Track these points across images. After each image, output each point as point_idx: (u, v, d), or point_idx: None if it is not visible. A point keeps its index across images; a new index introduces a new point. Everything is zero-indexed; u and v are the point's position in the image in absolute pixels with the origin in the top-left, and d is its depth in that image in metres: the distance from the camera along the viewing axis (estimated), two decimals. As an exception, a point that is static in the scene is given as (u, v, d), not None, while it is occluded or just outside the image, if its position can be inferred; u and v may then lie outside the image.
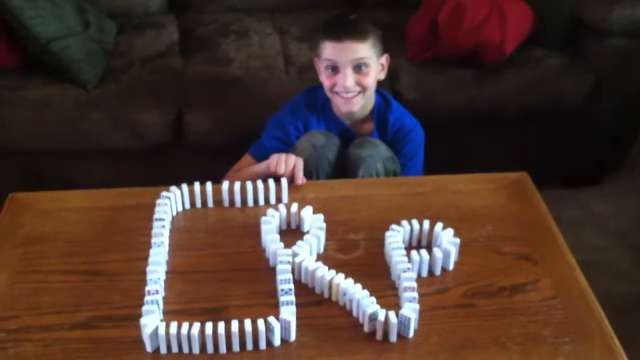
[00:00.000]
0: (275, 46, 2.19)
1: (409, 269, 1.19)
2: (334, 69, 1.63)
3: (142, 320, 1.08)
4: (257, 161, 1.65)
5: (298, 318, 1.11)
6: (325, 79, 1.66)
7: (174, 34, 2.24)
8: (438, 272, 1.24)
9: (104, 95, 1.97)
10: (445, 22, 2.03)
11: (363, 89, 1.64)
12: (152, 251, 1.23)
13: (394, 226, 1.28)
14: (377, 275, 1.23)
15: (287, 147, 1.65)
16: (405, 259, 1.21)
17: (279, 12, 2.38)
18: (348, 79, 1.61)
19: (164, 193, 1.36)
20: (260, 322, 1.09)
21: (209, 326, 1.08)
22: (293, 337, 1.11)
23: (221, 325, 1.08)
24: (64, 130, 1.95)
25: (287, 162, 1.48)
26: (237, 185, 1.39)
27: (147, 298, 1.13)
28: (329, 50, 1.61)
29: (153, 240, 1.25)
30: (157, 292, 1.14)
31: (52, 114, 1.94)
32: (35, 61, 1.99)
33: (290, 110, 1.76)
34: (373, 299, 1.14)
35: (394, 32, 2.07)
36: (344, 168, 1.64)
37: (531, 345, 1.11)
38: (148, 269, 1.19)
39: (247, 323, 1.08)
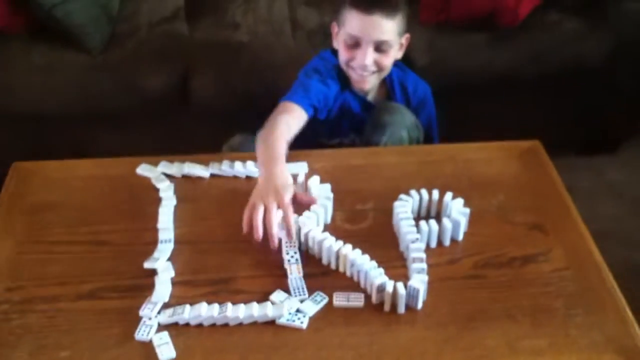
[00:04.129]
0: (283, 11, 2.14)
1: (417, 239, 1.17)
2: (356, 43, 1.55)
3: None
4: (305, 110, 1.50)
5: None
6: (343, 51, 1.58)
7: (180, -2, 2.20)
8: (447, 242, 1.22)
9: (110, 60, 1.95)
10: (459, -17, 1.98)
11: (380, 69, 1.58)
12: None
13: (402, 196, 1.26)
14: (385, 245, 1.21)
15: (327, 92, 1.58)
16: (414, 229, 1.19)
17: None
18: (367, 57, 1.53)
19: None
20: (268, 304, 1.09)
21: (215, 307, 1.08)
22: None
23: (230, 307, 1.08)
24: (71, 95, 1.94)
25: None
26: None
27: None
28: (355, 22, 1.52)
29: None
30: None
31: (59, 79, 1.93)
32: (41, 26, 1.96)
33: (336, 75, 1.64)
34: (381, 270, 1.12)
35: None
36: (366, 131, 1.60)
37: (542, 317, 1.09)
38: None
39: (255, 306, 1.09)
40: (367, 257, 1.14)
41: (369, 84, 1.61)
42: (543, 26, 2.04)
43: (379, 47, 1.54)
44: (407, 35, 1.62)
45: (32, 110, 1.97)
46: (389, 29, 1.53)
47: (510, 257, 1.20)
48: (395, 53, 1.60)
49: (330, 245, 1.16)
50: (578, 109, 2.19)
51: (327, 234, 1.19)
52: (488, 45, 2.01)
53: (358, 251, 1.15)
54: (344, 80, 1.65)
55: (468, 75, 2.03)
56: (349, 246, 1.16)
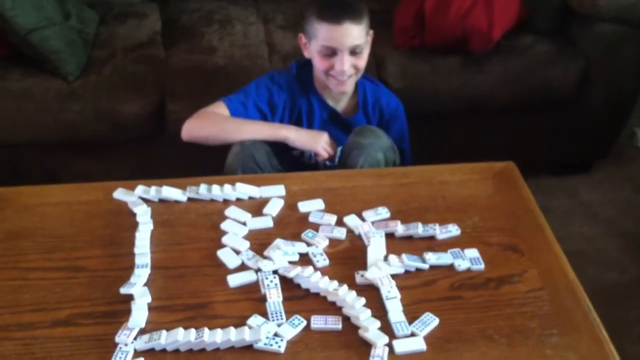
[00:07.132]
0: (259, 35, 2.16)
1: (394, 261, 1.18)
2: (332, 52, 1.60)
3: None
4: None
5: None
6: (319, 62, 1.63)
7: (157, 23, 2.21)
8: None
9: (85, 86, 1.93)
10: (432, 9, 2.01)
11: (357, 71, 1.65)
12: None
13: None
14: (360, 267, 1.21)
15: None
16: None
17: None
18: (345, 63, 1.60)
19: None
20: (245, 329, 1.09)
21: (192, 332, 1.08)
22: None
23: (207, 332, 1.08)
24: (46, 121, 1.92)
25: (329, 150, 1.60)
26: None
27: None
28: (326, 34, 1.58)
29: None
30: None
31: (33, 105, 1.91)
32: (17, 52, 1.95)
33: (285, 85, 1.71)
34: (362, 300, 1.13)
35: (380, 19, 2.04)
36: (342, 154, 1.63)
37: (518, 337, 1.10)
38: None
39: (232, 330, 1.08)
40: (345, 287, 1.15)
41: (349, 86, 1.68)
42: (515, 50, 2.07)
43: (354, 51, 1.61)
44: (371, 32, 1.67)
45: (7, 136, 1.94)
46: (359, 33, 1.59)
47: (485, 278, 1.21)
48: (367, 51, 1.66)
49: (309, 277, 1.17)
50: (551, 130, 2.21)
51: (299, 268, 1.19)
52: (462, 69, 2.03)
53: (335, 283, 1.16)
54: (307, 89, 1.71)
55: (442, 98, 2.05)
56: (325, 279, 1.17)
